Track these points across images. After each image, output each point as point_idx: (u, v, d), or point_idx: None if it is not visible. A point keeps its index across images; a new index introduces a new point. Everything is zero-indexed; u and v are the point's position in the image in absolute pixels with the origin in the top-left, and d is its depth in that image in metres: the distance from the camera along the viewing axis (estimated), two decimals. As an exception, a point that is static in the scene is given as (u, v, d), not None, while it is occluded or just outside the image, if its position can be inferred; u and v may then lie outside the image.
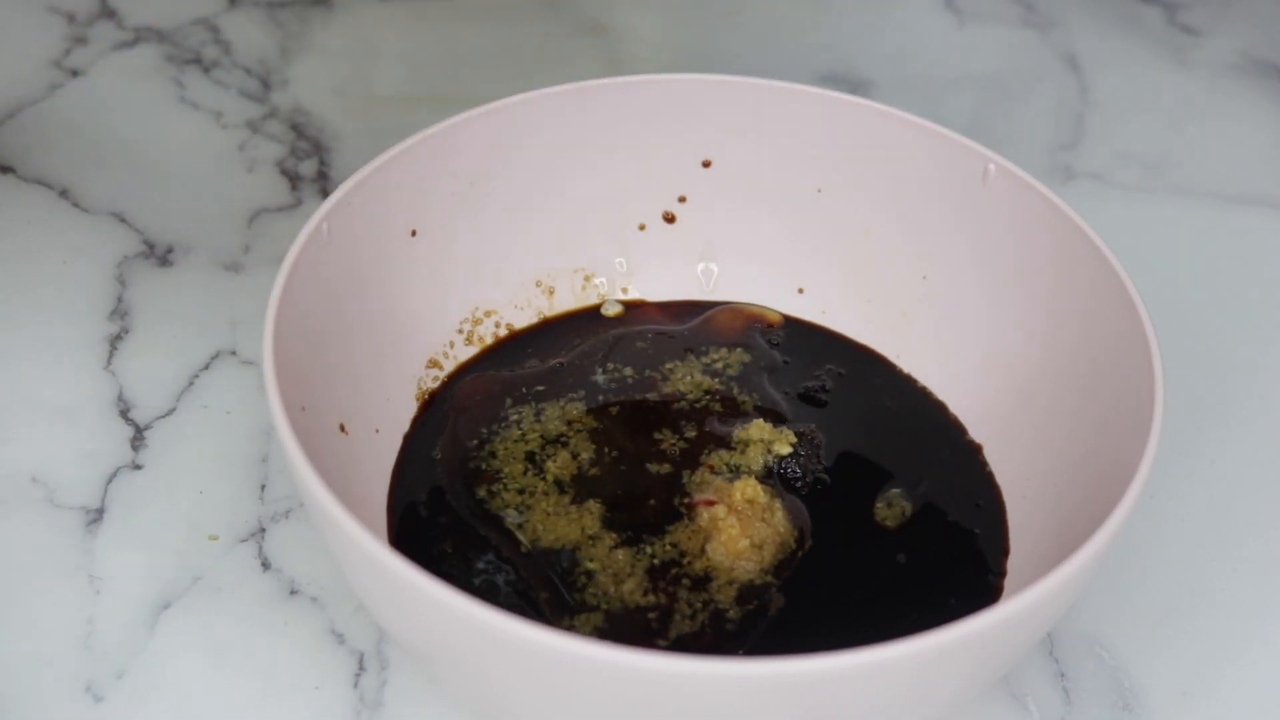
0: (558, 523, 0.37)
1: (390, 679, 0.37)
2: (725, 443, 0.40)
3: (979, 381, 0.42)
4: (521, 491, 0.38)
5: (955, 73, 0.62)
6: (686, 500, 0.38)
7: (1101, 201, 0.55)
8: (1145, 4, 0.67)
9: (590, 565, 0.36)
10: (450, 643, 0.29)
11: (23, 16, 0.61)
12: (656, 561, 0.36)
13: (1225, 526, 0.42)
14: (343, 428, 0.37)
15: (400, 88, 0.60)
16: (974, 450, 0.41)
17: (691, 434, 0.40)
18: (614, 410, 0.41)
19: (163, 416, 0.43)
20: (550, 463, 0.39)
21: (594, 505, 0.38)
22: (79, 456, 0.42)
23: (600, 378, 0.42)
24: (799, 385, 0.42)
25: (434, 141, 0.40)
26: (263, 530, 0.40)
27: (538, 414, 0.41)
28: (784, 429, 0.40)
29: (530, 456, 0.39)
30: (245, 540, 0.40)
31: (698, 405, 0.41)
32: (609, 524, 0.37)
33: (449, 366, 0.42)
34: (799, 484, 0.39)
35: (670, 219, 0.45)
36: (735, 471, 0.39)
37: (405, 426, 0.40)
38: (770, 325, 0.44)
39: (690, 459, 0.39)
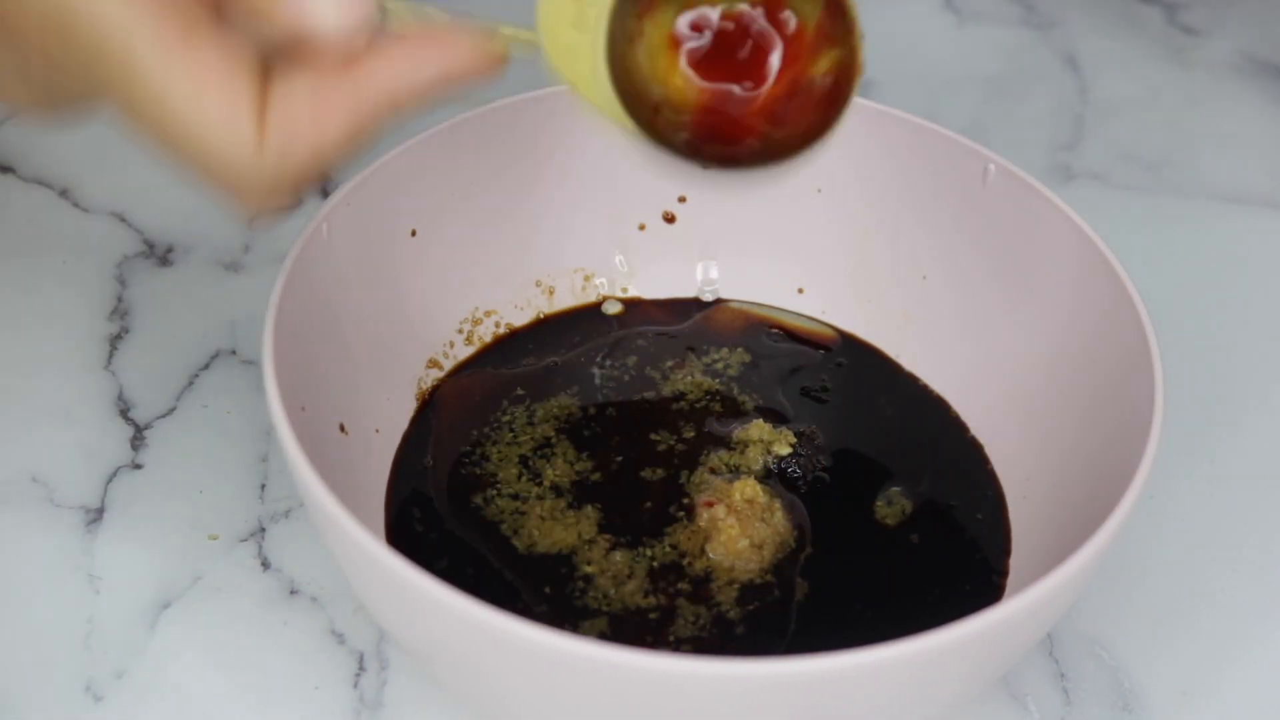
0: (554, 527, 0.37)
1: (390, 679, 0.37)
2: (725, 443, 0.40)
3: (979, 381, 0.42)
4: (515, 496, 0.38)
5: (955, 73, 0.62)
6: (686, 501, 0.38)
7: (1101, 201, 0.55)
8: (1145, 4, 0.67)
9: (588, 569, 0.36)
10: (450, 643, 0.29)
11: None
12: (656, 563, 0.36)
13: (1225, 526, 0.42)
14: (343, 428, 0.37)
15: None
16: (974, 450, 0.41)
17: (691, 434, 0.40)
18: (613, 410, 0.41)
19: (163, 416, 0.43)
20: (546, 465, 0.39)
21: (591, 509, 0.38)
22: (79, 456, 0.42)
23: (599, 378, 0.42)
24: (799, 385, 0.42)
25: (434, 141, 0.40)
26: (263, 530, 0.40)
27: (531, 415, 0.41)
28: (784, 429, 0.40)
29: (524, 460, 0.39)
30: (245, 540, 0.40)
31: (697, 405, 0.41)
32: (607, 527, 0.37)
33: (449, 366, 0.42)
34: (799, 484, 0.39)
35: (670, 219, 0.45)
36: (735, 472, 0.39)
37: (405, 426, 0.40)
38: (825, 342, 0.44)
39: (690, 459, 0.39)
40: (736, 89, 0.31)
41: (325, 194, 0.51)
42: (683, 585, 0.36)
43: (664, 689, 0.27)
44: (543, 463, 0.39)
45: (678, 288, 0.45)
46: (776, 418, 0.41)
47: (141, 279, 0.48)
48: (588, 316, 0.45)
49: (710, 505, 0.37)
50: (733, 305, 0.45)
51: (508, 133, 0.42)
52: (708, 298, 0.45)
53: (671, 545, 0.37)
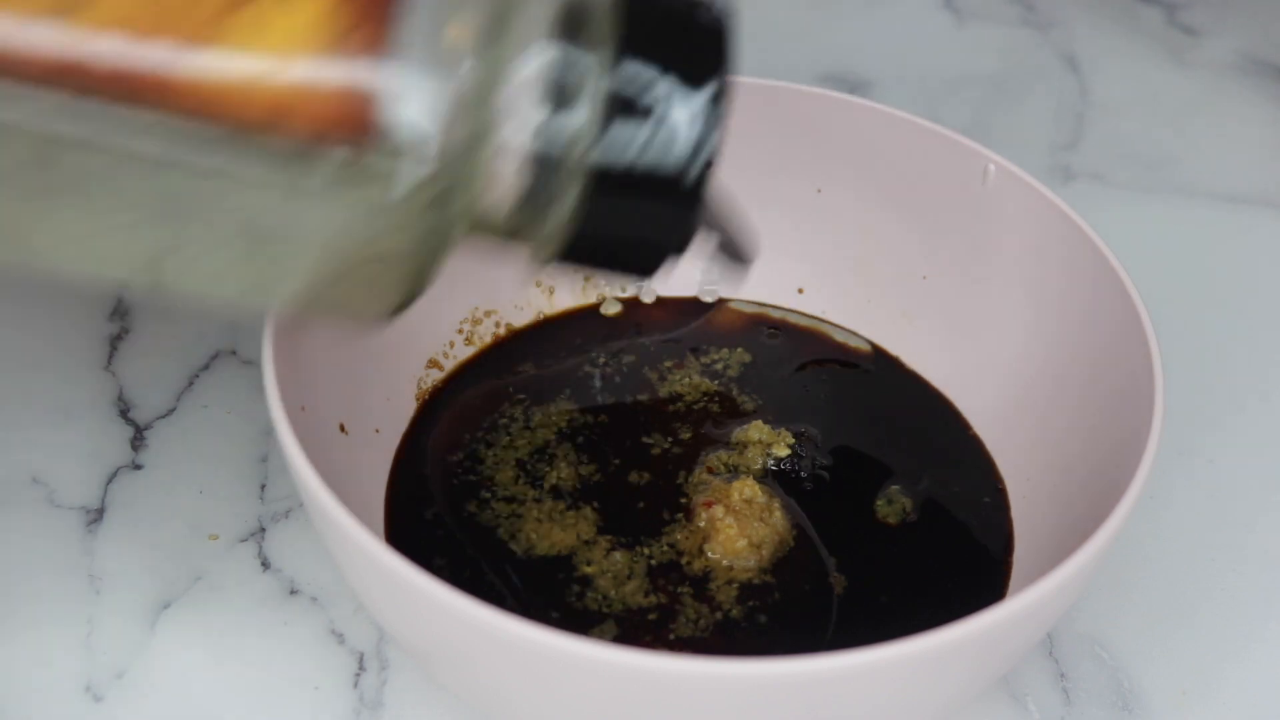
0: (553, 528, 0.37)
1: (390, 679, 0.37)
2: (724, 443, 0.40)
3: (978, 381, 0.42)
4: (514, 498, 0.38)
5: (955, 73, 0.62)
6: (684, 501, 0.38)
7: (1101, 201, 0.55)
8: (1145, 4, 0.67)
9: (588, 570, 0.36)
10: (450, 643, 0.29)
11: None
12: (655, 563, 0.36)
13: (1225, 526, 0.42)
14: (343, 428, 0.37)
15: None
16: (974, 449, 0.41)
17: (689, 435, 0.40)
18: (612, 411, 0.41)
19: (163, 416, 0.43)
20: (545, 467, 0.39)
21: (590, 510, 0.38)
22: (79, 456, 0.42)
23: (599, 378, 0.42)
24: (798, 385, 0.42)
25: (434, 141, 0.40)
26: (263, 530, 0.40)
27: (530, 417, 0.41)
28: (783, 429, 0.40)
29: (522, 463, 0.39)
30: (245, 540, 0.40)
31: (696, 406, 0.41)
32: (605, 528, 0.37)
33: (449, 366, 0.42)
34: (798, 484, 0.39)
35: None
36: (734, 472, 0.39)
37: (405, 426, 0.40)
38: (855, 355, 0.44)
39: (688, 460, 0.39)
40: None
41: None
42: (682, 586, 0.36)
43: (664, 689, 0.27)
44: (542, 464, 0.39)
45: (678, 288, 0.45)
46: (776, 418, 0.41)
47: (141, 279, 0.48)
48: (588, 317, 0.45)
49: (709, 505, 0.37)
50: (733, 305, 0.45)
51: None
52: (707, 298, 0.45)
53: (670, 545, 0.37)
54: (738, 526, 0.37)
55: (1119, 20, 0.66)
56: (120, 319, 0.47)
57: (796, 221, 0.44)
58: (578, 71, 0.26)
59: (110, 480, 0.41)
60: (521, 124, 0.26)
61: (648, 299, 0.45)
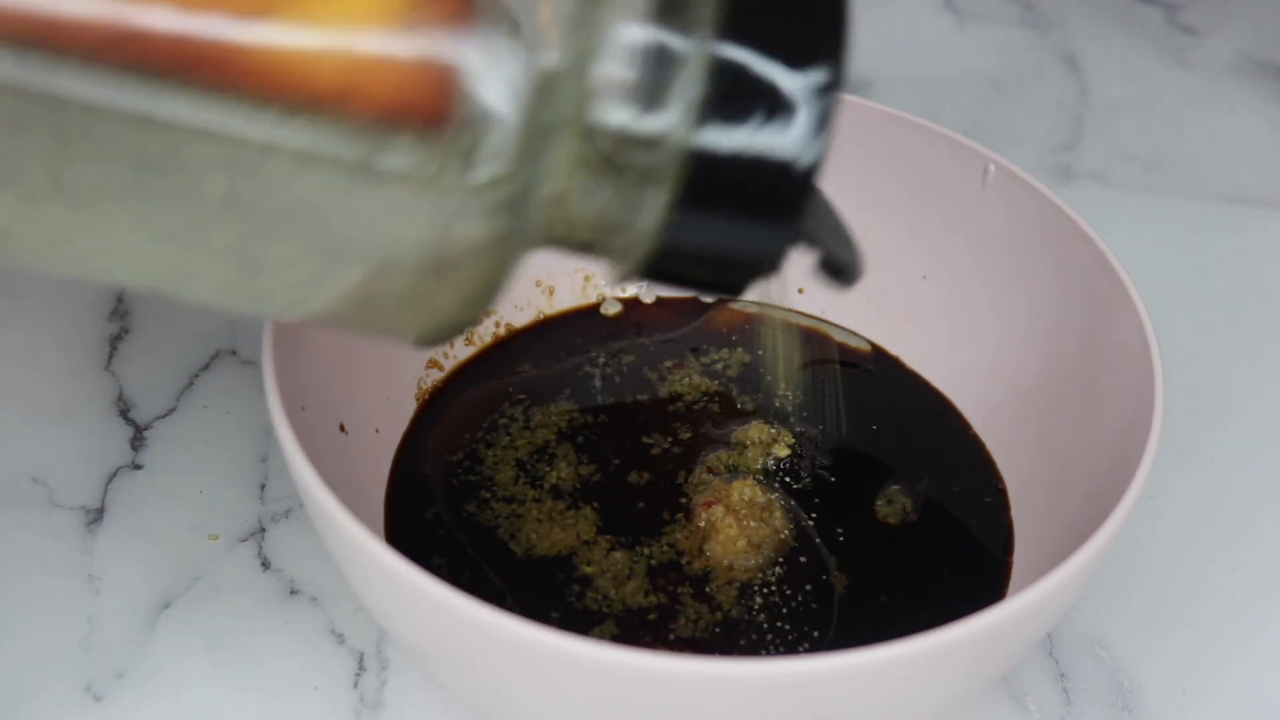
0: (552, 529, 0.37)
1: (390, 679, 0.37)
2: (724, 443, 0.40)
3: (978, 381, 0.42)
4: (514, 499, 0.38)
5: (955, 73, 0.62)
6: (684, 501, 0.38)
7: (1101, 201, 0.55)
8: (1145, 4, 0.67)
9: (587, 570, 0.36)
10: (450, 642, 0.29)
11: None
12: (655, 563, 0.36)
13: (1225, 526, 0.42)
14: (343, 428, 0.37)
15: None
16: (974, 449, 0.41)
17: (689, 435, 0.40)
18: (612, 411, 0.41)
19: (163, 416, 0.43)
20: (544, 467, 0.39)
21: (589, 510, 0.38)
22: (79, 456, 0.42)
23: (599, 378, 0.42)
24: (798, 385, 0.42)
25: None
26: (263, 530, 0.40)
27: (530, 417, 0.41)
28: (783, 429, 0.40)
29: (522, 463, 0.39)
30: (245, 540, 0.40)
31: (696, 406, 0.41)
32: (605, 528, 0.37)
33: (448, 366, 0.42)
34: (798, 484, 0.39)
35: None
36: (734, 472, 0.39)
37: (405, 426, 0.40)
38: (856, 355, 0.44)
39: (688, 460, 0.39)
40: None
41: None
42: (682, 586, 0.36)
43: (664, 688, 0.27)
44: (542, 464, 0.39)
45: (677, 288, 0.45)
46: (775, 418, 0.41)
47: (141, 279, 0.48)
48: (588, 317, 0.45)
49: (709, 505, 0.37)
50: (732, 305, 0.45)
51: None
52: (708, 298, 0.45)
53: (670, 545, 0.37)
54: (738, 526, 0.37)
55: (1119, 20, 0.66)
56: (120, 319, 0.47)
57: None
58: (674, 58, 0.23)
59: (110, 480, 0.41)
60: (610, 116, 0.23)
61: (648, 299, 0.45)
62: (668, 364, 0.43)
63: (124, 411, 0.43)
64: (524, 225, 0.24)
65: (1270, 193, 0.56)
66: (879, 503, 0.39)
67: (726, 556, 0.36)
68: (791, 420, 0.41)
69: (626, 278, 0.26)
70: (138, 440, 0.43)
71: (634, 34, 0.23)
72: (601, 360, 0.43)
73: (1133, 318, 0.35)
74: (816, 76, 0.23)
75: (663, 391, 0.42)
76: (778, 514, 0.37)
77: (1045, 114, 0.60)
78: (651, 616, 0.35)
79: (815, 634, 0.35)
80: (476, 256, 0.24)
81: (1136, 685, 0.38)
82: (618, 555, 0.36)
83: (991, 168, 0.40)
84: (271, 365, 0.32)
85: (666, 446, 0.40)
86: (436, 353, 0.42)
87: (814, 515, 0.38)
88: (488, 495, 0.38)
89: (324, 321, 0.26)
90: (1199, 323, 0.48)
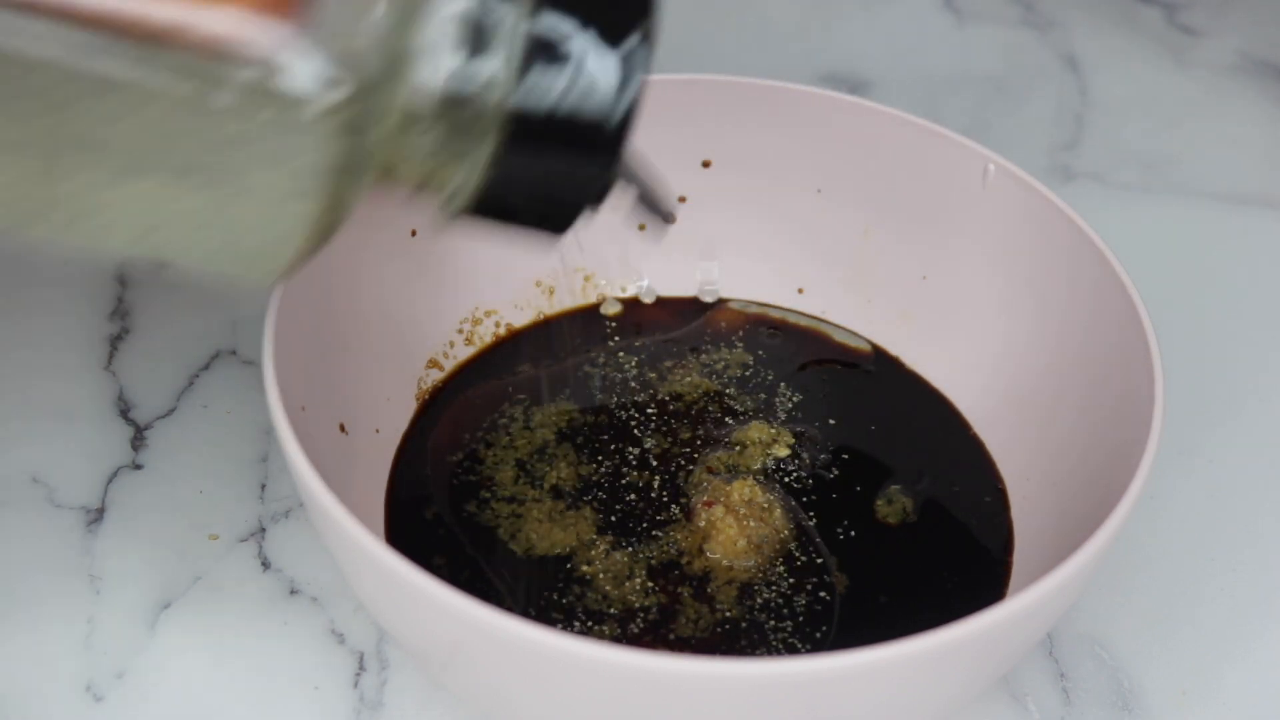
0: (552, 529, 0.37)
1: (390, 679, 0.37)
2: (723, 443, 0.40)
3: (978, 381, 0.42)
4: (514, 499, 0.38)
5: (955, 73, 0.62)
6: (684, 501, 0.38)
7: (1101, 201, 0.55)
8: (1145, 4, 0.67)
9: (587, 570, 0.36)
10: (450, 642, 0.29)
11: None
12: (655, 563, 0.36)
13: (1225, 526, 0.42)
14: (343, 428, 0.37)
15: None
16: (974, 449, 0.41)
17: (689, 435, 0.40)
18: (612, 411, 0.41)
19: (163, 416, 0.43)
20: (544, 467, 0.39)
21: (589, 510, 0.38)
22: (79, 456, 0.42)
23: (599, 378, 0.42)
24: (798, 385, 0.42)
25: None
26: (263, 530, 0.40)
27: (530, 417, 0.41)
28: (782, 429, 0.40)
29: (522, 463, 0.39)
30: (245, 540, 0.40)
31: (696, 406, 0.41)
32: (605, 528, 0.37)
33: (449, 366, 0.42)
34: (798, 484, 0.39)
35: (670, 219, 0.45)
36: (734, 472, 0.39)
37: (405, 426, 0.40)
38: (856, 355, 0.44)
39: (688, 460, 0.39)
40: None
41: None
42: (682, 586, 0.36)
43: (664, 689, 0.27)
44: (542, 464, 0.39)
45: (678, 288, 0.46)
46: (775, 418, 0.41)
47: (142, 279, 0.48)
48: (588, 317, 0.45)
49: (709, 505, 0.37)
50: (732, 305, 0.45)
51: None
52: (708, 298, 0.45)
53: (670, 545, 0.37)
54: (738, 526, 0.37)
55: (1119, 20, 0.66)
56: (120, 319, 0.47)
57: (796, 221, 0.44)
58: (496, 16, 0.26)
59: (110, 480, 0.41)
60: (438, 65, 0.26)
61: (648, 299, 0.45)
62: (668, 364, 0.43)
63: (124, 411, 0.43)
64: (364, 153, 0.26)
65: (1270, 193, 0.56)
66: (879, 503, 0.39)
67: (726, 556, 0.36)
68: (791, 420, 0.41)
69: (457, 213, 0.28)
70: (138, 440, 0.43)
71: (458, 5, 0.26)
72: (601, 360, 0.43)
73: (1133, 318, 0.35)
74: (630, 35, 0.27)
75: (663, 391, 0.42)
76: (778, 514, 0.37)
77: (1045, 114, 0.60)
78: (652, 617, 0.35)
79: (815, 634, 0.35)
80: (321, 174, 0.26)
81: (1136, 685, 0.38)
82: (618, 555, 0.37)
83: (991, 168, 0.40)
84: (271, 365, 0.32)
85: (666, 446, 0.40)
86: (436, 353, 0.42)
87: (814, 515, 0.38)
88: (488, 495, 0.38)
89: (166, 255, 0.28)
90: (1199, 323, 0.48)
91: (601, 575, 0.36)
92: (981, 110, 0.59)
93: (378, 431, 0.39)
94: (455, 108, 0.26)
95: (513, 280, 0.44)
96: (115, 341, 0.46)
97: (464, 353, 0.43)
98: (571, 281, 0.45)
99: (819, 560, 0.37)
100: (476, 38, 0.26)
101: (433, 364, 0.42)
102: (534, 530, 0.37)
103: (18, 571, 0.39)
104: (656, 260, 0.45)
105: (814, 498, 0.39)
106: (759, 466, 0.39)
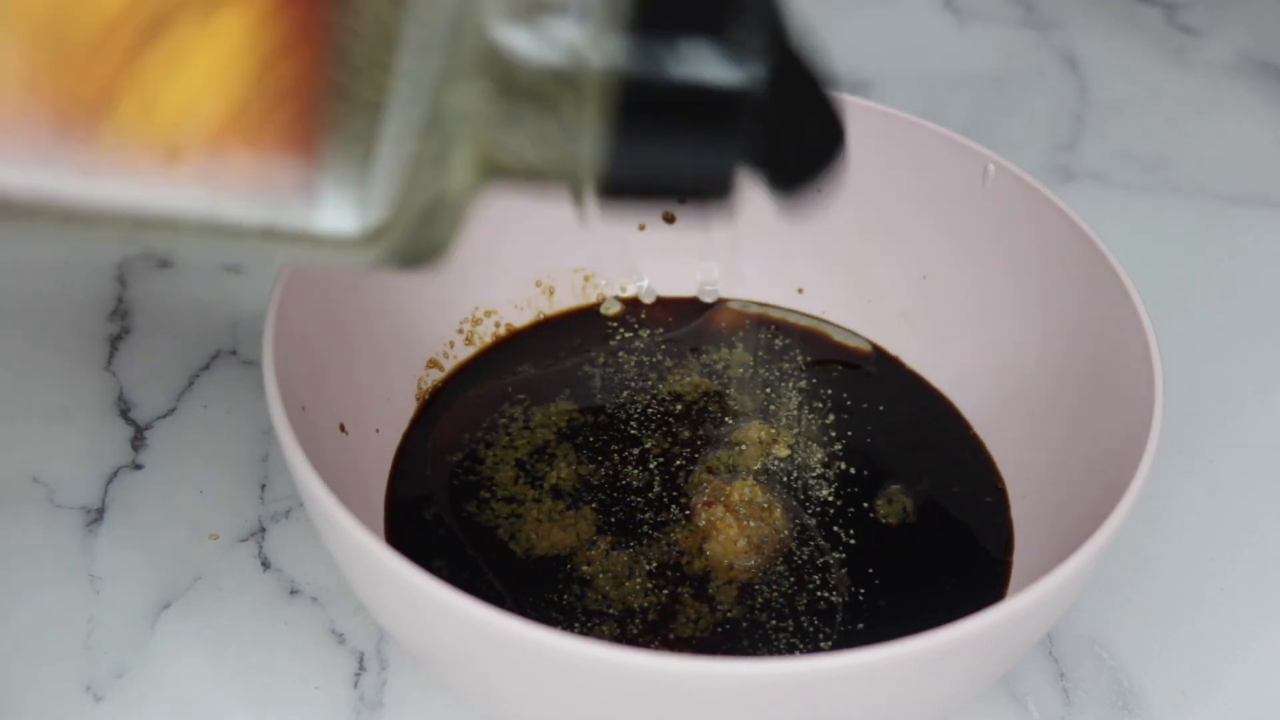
0: (552, 529, 0.37)
1: (390, 679, 0.37)
2: (723, 443, 0.40)
3: (978, 381, 0.42)
4: (514, 499, 0.38)
5: (955, 73, 0.62)
6: (684, 501, 0.38)
7: (1101, 201, 0.55)
8: (1145, 4, 0.67)
9: (587, 570, 0.36)
10: (450, 642, 0.29)
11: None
12: (654, 563, 0.36)
13: (1225, 526, 0.42)
14: (343, 428, 0.37)
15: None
16: (974, 449, 0.41)
17: (689, 435, 0.40)
18: (612, 411, 0.41)
19: (163, 416, 0.43)
20: (544, 467, 0.39)
21: (589, 510, 0.38)
22: (79, 456, 0.42)
23: (599, 378, 0.42)
24: (798, 385, 0.42)
25: (434, 141, 0.40)
26: (263, 530, 0.40)
27: (530, 417, 0.41)
28: (782, 429, 0.40)
29: (522, 463, 0.39)
30: (245, 540, 0.40)
31: (696, 406, 0.41)
32: (605, 528, 0.37)
33: (449, 367, 0.42)
34: (798, 483, 0.39)
35: (670, 219, 0.45)
36: (734, 472, 0.39)
37: (405, 426, 0.40)
38: (856, 355, 0.44)
39: (688, 460, 0.39)
40: None
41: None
42: (682, 586, 0.36)
43: (664, 688, 0.27)
44: (542, 464, 0.39)
45: (678, 288, 0.45)
46: (775, 418, 0.41)
47: (142, 279, 0.48)
48: (588, 317, 0.45)
49: (709, 505, 0.37)
50: (732, 305, 0.45)
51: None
52: (708, 298, 0.45)
53: (670, 545, 0.37)
54: (738, 526, 0.37)
55: (1119, 20, 0.66)
56: (120, 319, 0.47)
57: (796, 221, 0.44)
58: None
59: (110, 480, 0.41)
60: (515, 40, 0.23)
61: (648, 299, 0.45)
62: (668, 364, 0.43)
63: (124, 411, 0.43)
64: (442, 186, 0.24)
65: (1270, 193, 0.56)
66: (879, 503, 0.39)
67: (726, 556, 0.36)
68: (791, 420, 0.41)
69: (594, 199, 0.26)
70: (138, 440, 0.43)
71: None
72: (601, 360, 0.43)
73: (1133, 318, 0.35)
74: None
75: (663, 391, 0.42)
76: (778, 514, 0.37)
77: (1045, 114, 0.60)
78: (651, 617, 0.35)
79: (815, 634, 0.35)
80: (412, 227, 0.24)
81: (1136, 685, 0.38)
82: (618, 555, 0.37)
83: (991, 168, 0.40)
84: (271, 365, 0.32)
85: (666, 446, 0.40)
86: (436, 353, 0.42)
87: (814, 515, 0.38)
88: (488, 495, 0.38)
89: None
90: (1199, 323, 0.48)
91: (601, 575, 0.36)
92: (981, 110, 0.60)
93: (378, 431, 0.39)
94: (545, 87, 0.23)
95: (513, 280, 0.44)
96: (115, 341, 0.46)
97: (464, 353, 0.43)
98: (571, 281, 0.45)
99: (819, 560, 0.37)
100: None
101: (433, 364, 0.42)
102: (534, 530, 0.37)
103: (18, 572, 0.39)
104: (656, 260, 0.45)
105: (814, 498, 0.39)
106: (759, 466, 0.39)
